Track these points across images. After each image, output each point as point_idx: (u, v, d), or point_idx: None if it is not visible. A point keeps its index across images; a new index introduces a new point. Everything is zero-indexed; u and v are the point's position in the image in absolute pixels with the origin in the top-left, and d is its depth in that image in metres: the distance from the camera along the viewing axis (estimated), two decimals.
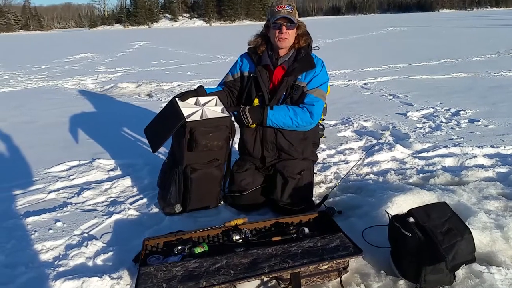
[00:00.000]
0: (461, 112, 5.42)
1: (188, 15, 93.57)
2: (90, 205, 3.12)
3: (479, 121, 4.97)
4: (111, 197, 3.25)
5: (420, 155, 3.94)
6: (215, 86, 3.16)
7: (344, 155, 3.99)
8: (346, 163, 3.78)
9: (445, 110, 5.63)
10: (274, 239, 2.33)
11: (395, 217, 2.15)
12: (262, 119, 2.81)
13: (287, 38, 2.82)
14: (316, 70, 2.89)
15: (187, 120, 2.70)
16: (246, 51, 3.06)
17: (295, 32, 2.87)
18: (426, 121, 5.12)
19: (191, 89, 3.01)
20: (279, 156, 2.99)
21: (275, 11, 2.80)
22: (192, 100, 2.91)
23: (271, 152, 2.98)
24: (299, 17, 2.90)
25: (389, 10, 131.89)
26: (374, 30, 29.07)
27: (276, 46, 2.87)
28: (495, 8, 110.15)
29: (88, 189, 3.36)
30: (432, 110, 5.67)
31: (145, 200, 3.16)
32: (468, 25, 29.67)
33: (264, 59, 2.90)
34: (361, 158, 3.80)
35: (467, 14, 66.98)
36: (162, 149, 3.02)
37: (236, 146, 3.46)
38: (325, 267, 2.05)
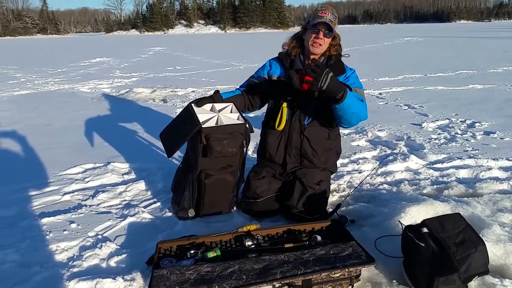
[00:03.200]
0: (477, 124, 5.38)
1: (203, 21, 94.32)
2: (104, 207, 3.15)
3: (494, 133, 4.93)
4: (125, 200, 3.28)
5: (435, 166, 3.91)
6: (233, 90, 3.18)
7: (357, 164, 3.98)
8: (360, 172, 3.78)
9: (460, 121, 5.59)
10: (286, 245, 2.34)
11: (409, 227, 2.14)
12: (342, 94, 2.54)
13: (322, 45, 2.84)
14: (347, 74, 2.92)
15: (203, 126, 2.73)
16: (277, 55, 3.07)
17: (330, 41, 2.90)
18: (441, 132, 5.09)
19: (207, 95, 3.03)
20: (301, 163, 2.99)
21: (318, 15, 2.80)
22: (208, 106, 2.94)
23: (293, 158, 2.98)
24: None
25: (406, 20, 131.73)
26: (390, 39, 29.03)
27: (308, 51, 2.88)
28: None
29: (103, 191, 3.40)
30: (447, 121, 5.63)
31: (158, 204, 3.19)
32: (485, 37, 29.48)
33: (297, 64, 2.91)
34: (375, 168, 3.80)
35: (485, 26, 66.49)
36: (176, 154, 3.05)
37: (250, 153, 3.47)
38: (337, 275, 2.05)
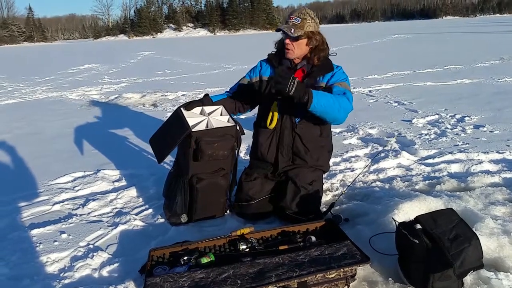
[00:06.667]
0: (466, 118, 5.41)
1: (192, 25, 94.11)
2: (95, 216, 3.11)
3: (484, 127, 4.96)
4: (116, 208, 3.24)
5: (426, 161, 3.92)
6: (223, 93, 3.16)
7: (350, 162, 3.98)
8: (352, 170, 3.77)
9: (450, 116, 5.61)
10: (281, 248, 2.32)
11: (402, 224, 2.13)
12: (307, 97, 2.52)
13: (292, 49, 2.82)
14: (334, 71, 2.91)
15: (193, 130, 2.70)
16: (267, 56, 3.05)
17: (306, 44, 2.84)
18: (432, 128, 5.10)
19: (197, 99, 3.01)
20: (293, 162, 2.97)
21: (286, 20, 2.80)
22: (197, 109, 2.91)
23: (285, 157, 2.96)
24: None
25: (393, 17, 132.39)
26: (378, 37, 29.12)
27: None
28: (498, 15, 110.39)
29: (93, 200, 3.36)
30: (437, 116, 5.65)
31: (150, 210, 3.15)
32: (471, 32, 29.71)
33: (285, 62, 2.92)
34: (367, 166, 3.79)
35: (471, 21, 67.07)
36: (167, 159, 3.02)
37: (242, 155, 3.45)
38: (333, 275, 2.03)
